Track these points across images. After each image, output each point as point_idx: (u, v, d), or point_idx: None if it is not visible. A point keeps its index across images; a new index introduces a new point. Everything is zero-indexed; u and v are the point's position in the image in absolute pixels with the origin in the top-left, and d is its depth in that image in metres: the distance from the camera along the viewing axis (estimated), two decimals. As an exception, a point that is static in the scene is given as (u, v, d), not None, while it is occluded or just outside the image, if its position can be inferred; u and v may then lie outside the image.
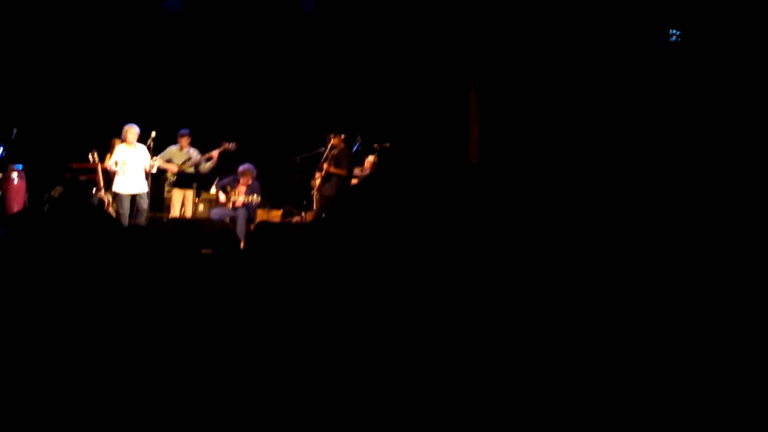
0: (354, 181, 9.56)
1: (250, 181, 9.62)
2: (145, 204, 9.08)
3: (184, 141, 9.72)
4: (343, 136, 9.53)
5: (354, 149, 9.82)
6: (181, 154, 9.68)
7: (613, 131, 7.49)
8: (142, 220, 8.92)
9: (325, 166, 9.41)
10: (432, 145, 9.62)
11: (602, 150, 7.43)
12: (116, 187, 9.05)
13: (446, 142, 9.48)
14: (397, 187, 1.84)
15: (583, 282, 1.95)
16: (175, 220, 8.96)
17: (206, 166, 9.74)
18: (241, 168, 9.68)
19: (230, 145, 9.72)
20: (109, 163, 9.17)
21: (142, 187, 9.06)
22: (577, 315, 1.83)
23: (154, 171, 9.36)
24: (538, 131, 7.95)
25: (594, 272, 2.05)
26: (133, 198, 9.03)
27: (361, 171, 9.83)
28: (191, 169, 9.62)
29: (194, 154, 9.71)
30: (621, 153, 7.33)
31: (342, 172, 9.36)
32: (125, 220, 8.90)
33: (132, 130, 9.06)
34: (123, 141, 9.10)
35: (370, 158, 9.76)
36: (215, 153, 9.72)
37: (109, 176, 9.62)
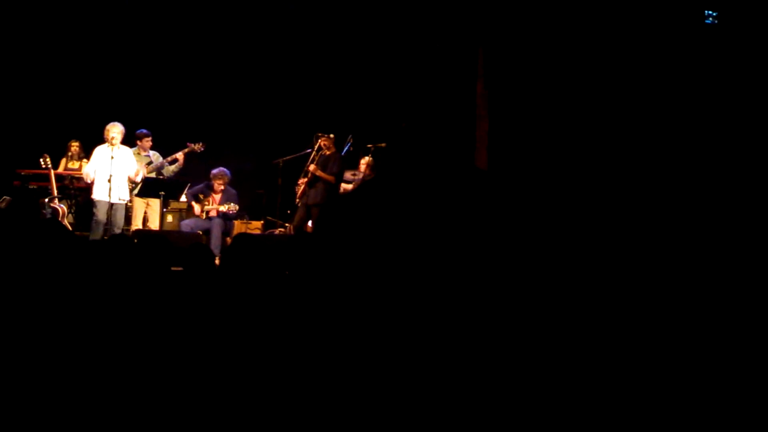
0: (345, 186, 9.53)
1: (224, 187, 9.62)
2: (121, 216, 8.99)
3: (145, 142, 9.67)
4: (332, 136, 9.50)
5: (344, 151, 9.81)
6: (141, 158, 9.61)
7: (643, 129, 7.43)
8: (114, 232, 8.81)
9: (310, 168, 9.36)
10: (433, 147, 9.58)
11: (632, 153, 7.35)
12: (95, 194, 8.97)
13: (450, 143, 9.42)
14: (392, 197, 1.86)
15: (600, 303, 1.99)
16: (139, 232, 8.90)
17: (170, 170, 9.71)
18: (213, 172, 9.69)
19: (197, 146, 9.70)
20: (86, 169, 9.12)
21: (122, 195, 8.96)
22: (592, 332, 1.87)
23: (139, 179, 9.28)
24: (558, 129, 7.85)
25: (614, 294, 2.08)
26: (111, 207, 8.89)
27: (354, 175, 9.80)
28: (153, 174, 9.58)
29: (155, 157, 9.69)
30: (651, 155, 7.25)
31: (329, 177, 9.24)
32: (100, 229, 8.80)
33: (114, 129, 8.97)
34: (104, 141, 9.01)
35: (366, 159, 9.73)
36: (180, 155, 9.69)
37: (64, 183, 9.57)
